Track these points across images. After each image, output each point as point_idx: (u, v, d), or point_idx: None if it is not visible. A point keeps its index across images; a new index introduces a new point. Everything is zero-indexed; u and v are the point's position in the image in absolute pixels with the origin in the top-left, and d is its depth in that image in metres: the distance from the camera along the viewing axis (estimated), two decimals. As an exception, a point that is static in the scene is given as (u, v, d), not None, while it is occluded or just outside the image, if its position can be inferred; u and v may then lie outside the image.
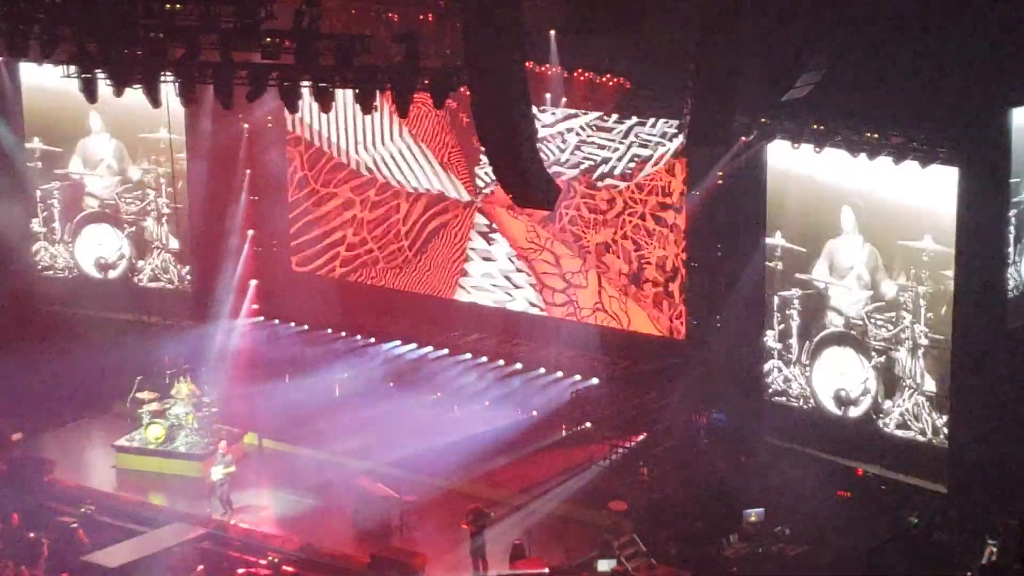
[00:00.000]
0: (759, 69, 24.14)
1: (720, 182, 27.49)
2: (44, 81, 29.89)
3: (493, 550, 23.95)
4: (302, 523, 25.84)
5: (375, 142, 32.11)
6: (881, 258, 25.15)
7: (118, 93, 21.06)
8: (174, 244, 32.77)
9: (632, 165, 29.02)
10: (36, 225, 33.09)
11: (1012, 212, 24.22)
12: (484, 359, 31.13)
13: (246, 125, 32.37)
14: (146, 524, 25.43)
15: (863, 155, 24.43)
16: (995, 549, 22.57)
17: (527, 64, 21.63)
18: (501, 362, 30.94)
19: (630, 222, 29.38)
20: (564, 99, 28.63)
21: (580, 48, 27.36)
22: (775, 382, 26.84)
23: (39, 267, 33.22)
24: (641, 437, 27.75)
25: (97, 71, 20.97)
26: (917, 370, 24.95)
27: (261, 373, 30.51)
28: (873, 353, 25.54)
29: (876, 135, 24.23)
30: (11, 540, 23.95)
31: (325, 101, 20.87)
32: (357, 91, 20.94)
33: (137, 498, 26.83)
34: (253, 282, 32.87)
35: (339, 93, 21.04)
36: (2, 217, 31.45)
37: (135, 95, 21.18)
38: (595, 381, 29.93)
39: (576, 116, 29.40)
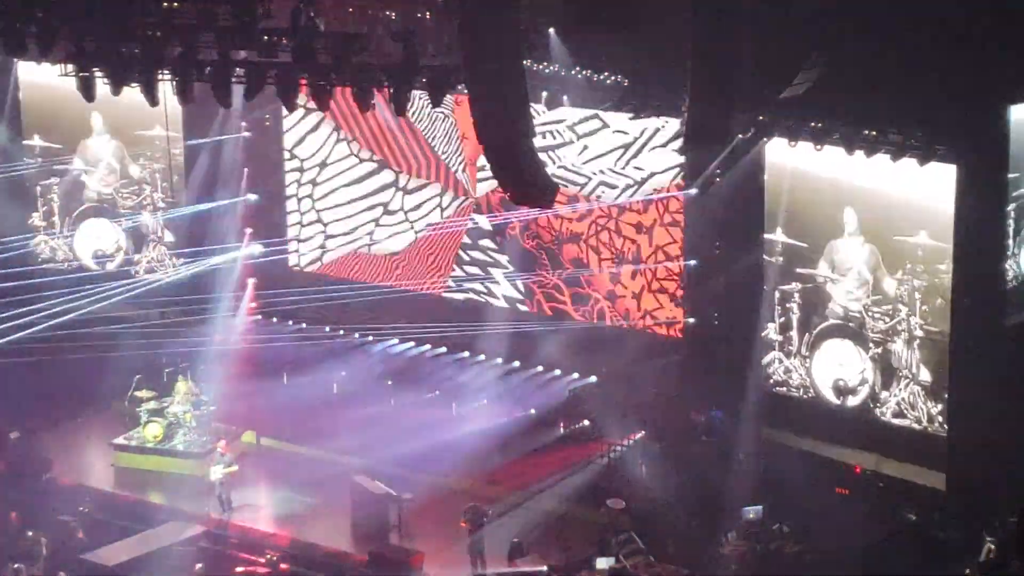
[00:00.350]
0: (757, 67, 24.09)
1: (718, 179, 27.48)
2: (45, 78, 29.71)
3: (492, 548, 23.97)
4: (300, 521, 25.90)
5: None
6: (880, 255, 25.26)
7: (116, 92, 21.01)
8: (169, 237, 32.76)
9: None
10: (36, 219, 33.13)
11: (1011, 206, 24.28)
12: (482, 357, 31.13)
13: (244, 123, 32.37)
14: (144, 522, 25.43)
15: (860, 152, 24.46)
16: (993, 546, 22.60)
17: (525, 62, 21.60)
18: (499, 360, 30.95)
19: (628, 219, 29.39)
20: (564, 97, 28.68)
21: (579, 46, 27.31)
22: (776, 373, 27.03)
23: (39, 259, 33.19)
24: (639, 435, 27.78)
25: (95, 69, 20.96)
26: (913, 361, 25.24)
27: (259, 371, 30.49)
28: (871, 344, 25.77)
29: (874, 132, 24.24)
30: (10, 538, 23.97)
31: (323, 99, 20.87)
32: (355, 89, 20.95)
33: (135, 496, 26.87)
34: (251, 280, 32.88)
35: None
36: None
37: (132, 93, 21.17)
38: (593, 379, 29.94)
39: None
